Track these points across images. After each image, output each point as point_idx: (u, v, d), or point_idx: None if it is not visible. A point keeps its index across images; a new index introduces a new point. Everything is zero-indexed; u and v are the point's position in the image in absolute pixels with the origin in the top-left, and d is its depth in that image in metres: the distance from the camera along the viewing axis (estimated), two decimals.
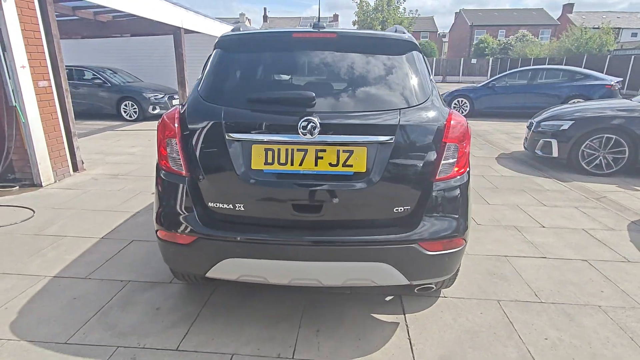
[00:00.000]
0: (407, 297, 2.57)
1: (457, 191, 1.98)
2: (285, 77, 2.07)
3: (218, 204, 1.95)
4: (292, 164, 1.88)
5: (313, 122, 1.82)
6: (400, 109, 1.93)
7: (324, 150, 1.87)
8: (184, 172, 1.96)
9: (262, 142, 1.88)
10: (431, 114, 1.95)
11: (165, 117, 2.02)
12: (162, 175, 2.01)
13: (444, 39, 54.82)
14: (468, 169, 2.05)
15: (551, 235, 3.57)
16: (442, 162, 1.93)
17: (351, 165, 1.88)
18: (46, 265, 2.94)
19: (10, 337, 2.17)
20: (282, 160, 1.88)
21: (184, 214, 1.97)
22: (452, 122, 1.97)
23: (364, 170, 1.88)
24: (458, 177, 1.99)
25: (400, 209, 1.93)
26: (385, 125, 1.88)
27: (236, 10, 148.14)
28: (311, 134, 1.82)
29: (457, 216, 2.00)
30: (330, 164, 1.88)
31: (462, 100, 11.91)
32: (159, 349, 2.09)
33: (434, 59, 29.41)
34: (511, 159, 6.55)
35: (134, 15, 7.40)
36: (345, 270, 1.92)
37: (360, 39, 2.11)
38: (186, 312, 2.40)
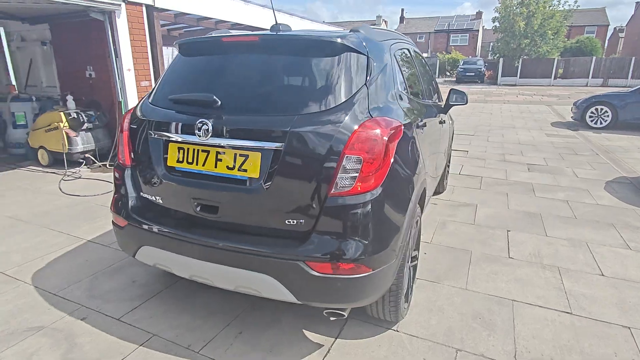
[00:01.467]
0: (354, 321, 2.35)
1: (360, 210, 1.74)
2: (206, 80, 2.11)
3: (146, 195, 2.14)
4: (197, 164, 1.94)
5: (206, 125, 1.84)
6: (297, 114, 1.79)
7: (223, 153, 1.87)
8: (127, 162, 2.21)
9: (175, 141, 1.99)
10: (336, 120, 1.75)
11: (125, 113, 2.31)
12: (116, 163, 2.31)
13: (620, 34, 45.25)
14: (382, 187, 1.78)
15: (606, 287, 2.74)
16: (340, 174, 1.72)
17: (246, 170, 1.83)
18: (90, 231, 3.62)
19: (27, 281, 2.79)
20: (190, 160, 1.95)
21: (123, 199, 2.22)
22: (359, 131, 1.73)
23: (257, 176, 1.81)
24: (362, 194, 1.74)
25: (292, 222, 1.79)
26: (275, 132, 1.77)
27: (381, 12, 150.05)
28: (205, 136, 1.85)
29: (356, 238, 1.75)
30: (227, 167, 1.87)
31: (601, 109, 9.76)
32: (107, 315, 2.40)
33: (593, 57, 24.45)
34: (627, 186, 5.15)
35: (237, 23, 8.27)
36: (233, 276, 1.88)
37: (282, 42, 2.02)
38: (151, 289, 2.68)
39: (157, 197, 2.09)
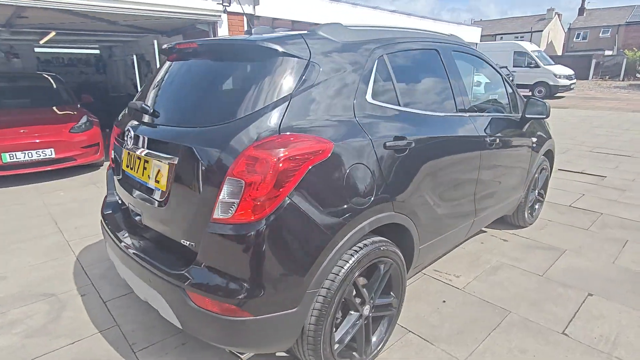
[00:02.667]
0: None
1: (241, 243, 1.46)
2: (156, 87, 2.07)
3: (115, 196, 2.29)
4: (135, 171, 1.95)
5: (130, 133, 1.82)
6: (199, 126, 1.60)
7: (147, 162, 1.83)
8: (110, 164, 2.40)
9: (125, 147, 2.05)
10: (229, 136, 1.51)
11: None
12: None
13: None
14: (273, 220, 1.45)
15: None
16: (221, 198, 1.48)
17: (158, 182, 1.75)
18: None
19: (76, 253, 3.33)
20: (131, 166, 1.98)
21: (107, 197, 2.42)
22: (246, 151, 1.45)
23: (164, 189, 1.71)
24: (244, 224, 1.45)
25: (186, 242, 1.63)
26: (175, 145, 1.62)
27: (559, 4, 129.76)
28: (129, 144, 1.84)
29: (234, 275, 1.49)
30: (148, 176, 1.82)
31: None
32: (100, 297, 2.67)
33: None
34: None
35: None
36: (140, 287, 1.83)
37: (213, 48, 1.84)
38: None
39: (119, 198, 2.22)
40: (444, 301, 2.61)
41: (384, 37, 2.09)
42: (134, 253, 1.85)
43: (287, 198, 1.48)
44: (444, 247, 2.58)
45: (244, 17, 6.16)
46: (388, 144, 1.85)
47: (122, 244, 1.95)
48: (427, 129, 2.14)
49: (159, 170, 1.76)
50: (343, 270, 1.69)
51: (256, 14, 6.20)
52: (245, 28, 6.20)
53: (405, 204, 1.97)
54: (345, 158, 1.66)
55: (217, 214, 1.49)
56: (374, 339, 2.01)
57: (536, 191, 3.80)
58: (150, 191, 1.83)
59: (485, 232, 3.72)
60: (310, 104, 1.65)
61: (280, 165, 1.46)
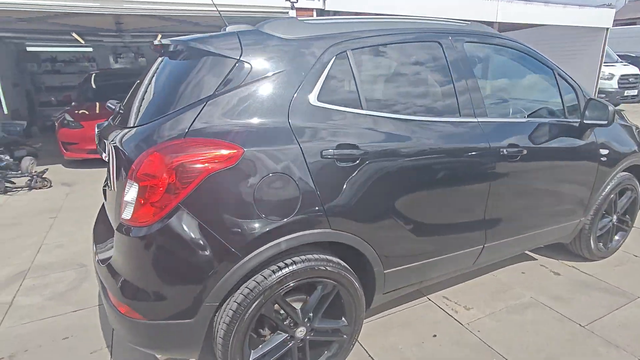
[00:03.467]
0: None
1: (132, 244, 1.47)
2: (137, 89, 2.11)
3: None
4: None
5: (98, 134, 1.95)
6: (127, 127, 1.63)
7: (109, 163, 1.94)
8: None
9: None
10: (139, 137, 1.51)
11: None
12: None
13: None
14: (163, 225, 1.41)
15: None
16: (123, 200, 1.48)
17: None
18: None
19: None
20: None
21: None
22: (143, 155, 1.43)
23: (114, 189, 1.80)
24: (136, 227, 1.46)
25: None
26: (115, 145, 1.67)
27: None
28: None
29: (128, 276, 1.50)
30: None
31: None
32: None
33: None
34: None
35: None
36: None
37: (166, 46, 1.79)
38: None
39: None
40: (435, 335, 2.24)
41: (350, 31, 1.84)
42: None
43: (179, 204, 1.42)
44: (433, 273, 2.21)
45: (314, 12, 6.15)
46: (326, 152, 1.63)
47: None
48: (402, 136, 1.83)
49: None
50: (259, 287, 1.56)
51: (326, 8, 6.14)
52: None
53: (353, 223, 1.73)
54: (260, 166, 1.51)
55: (122, 214, 1.52)
56: None
57: (613, 217, 2.99)
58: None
59: (534, 259, 3.09)
60: (232, 106, 1.55)
61: (174, 170, 1.41)
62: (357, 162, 1.70)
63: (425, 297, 2.61)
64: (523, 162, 2.21)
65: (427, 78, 2.07)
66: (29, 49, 10.60)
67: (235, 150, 1.47)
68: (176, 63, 1.74)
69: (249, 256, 1.52)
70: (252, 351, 1.67)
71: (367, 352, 2.11)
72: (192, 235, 1.45)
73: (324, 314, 1.86)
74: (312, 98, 1.67)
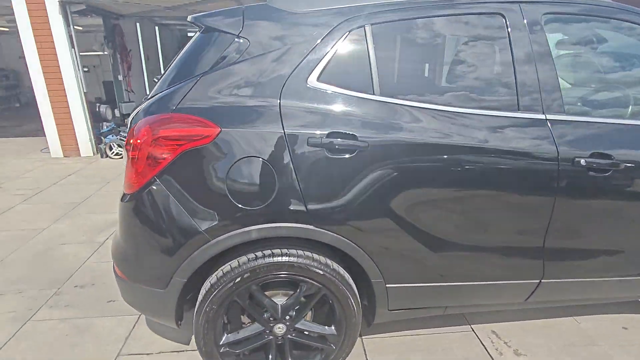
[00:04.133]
0: None
1: (123, 206, 1.56)
2: None
3: None
4: None
5: None
6: (145, 101, 1.70)
7: None
8: None
9: None
10: (142, 111, 1.56)
11: None
12: None
13: None
14: (143, 194, 1.47)
15: None
16: (126, 166, 1.57)
17: None
18: None
19: None
20: None
21: None
22: (135, 126, 1.50)
23: None
24: (125, 193, 1.54)
25: None
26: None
27: None
28: None
29: (119, 235, 1.61)
30: None
31: None
32: None
33: None
34: None
35: None
36: None
37: (191, 24, 1.78)
38: None
39: None
40: None
41: (375, 3, 1.56)
42: None
43: (155, 177, 1.45)
44: (462, 301, 1.80)
45: None
46: (314, 140, 1.44)
47: None
48: (425, 128, 1.51)
49: None
50: (231, 273, 1.51)
51: None
52: None
53: (342, 224, 1.51)
54: (235, 147, 1.42)
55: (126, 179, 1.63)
56: None
57: None
58: None
59: None
60: (224, 83, 1.48)
61: (153, 143, 1.43)
62: (354, 155, 1.46)
63: (469, 325, 2.18)
64: (616, 181, 1.60)
65: (477, 60, 1.63)
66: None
67: (211, 129, 1.43)
68: (192, 39, 1.76)
69: (216, 239, 1.47)
70: (227, 334, 1.65)
71: None
72: (164, 209, 1.48)
73: (315, 318, 1.72)
74: (312, 78, 1.49)
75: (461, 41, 1.63)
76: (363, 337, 2.10)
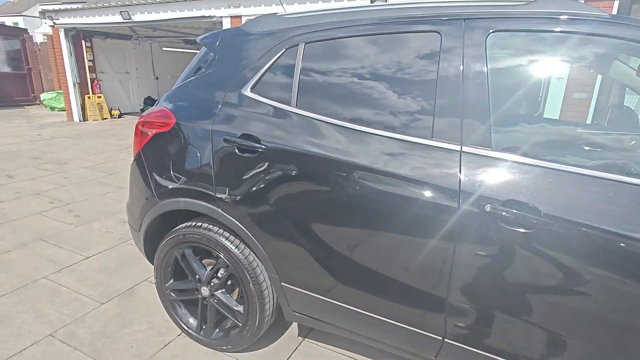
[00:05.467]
0: None
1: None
2: None
3: None
4: None
5: None
6: None
7: None
8: None
9: None
10: None
11: None
12: None
13: None
14: (136, 159, 2.06)
15: None
16: None
17: None
18: None
19: None
20: None
21: None
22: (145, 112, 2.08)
23: None
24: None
25: None
26: None
27: None
28: None
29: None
30: None
31: None
32: None
33: None
34: None
35: None
36: None
37: None
38: None
39: None
40: None
41: (313, 24, 1.67)
42: None
43: (141, 149, 2.01)
44: (366, 332, 1.66)
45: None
46: (229, 138, 1.71)
47: None
48: (323, 144, 1.56)
49: None
50: (172, 233, 1.96)
51: None
52: None
53: (239, 213, 1.72)
54: (182, 136, 1.83)
55: None
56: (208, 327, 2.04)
57: None
58: None
59: None
60: (195, 85, 1.92)
61: (141, 125, 2.01)
62: (255, 156, 1.67)
63: None
64: (541, 242, 1.24)
65: (396, 81, 1.52)
66: None
67: (170, 120, 1.90)
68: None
69: (162, 202, 1.93)
70: (173, 281, 2.10)
71: None
72: (141, 173, 2.03)
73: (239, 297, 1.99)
74: (246, 88, 1.77)
75: (385, 60, 1.56)
76: (307, 338, 2.19)
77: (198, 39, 2.09)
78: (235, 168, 1.73)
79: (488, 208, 1.29)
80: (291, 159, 1.61)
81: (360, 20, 1.61)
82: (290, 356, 2.06)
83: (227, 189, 1.75)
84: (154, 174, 1.98)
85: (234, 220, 1.76)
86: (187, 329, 2.11)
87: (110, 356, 2.00)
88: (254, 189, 1.68)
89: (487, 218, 1.30)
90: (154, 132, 1.96)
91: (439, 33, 1.45)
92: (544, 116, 4.37)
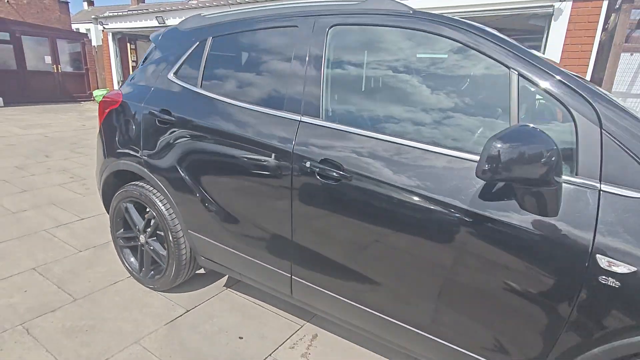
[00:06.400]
0: None
1: None
2: None
3: None
4: None
5: None
6: None
7: None
8: None
9: None
10: None
11: None
12: None
13: None
14: (101, 126, 2.56)
15: None
16: None
17: None
18: None
19: None
20: None
21: None
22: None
23: None
24: None
25: None
26: None
27: None
28: None
29: None
30: None
31: None
32: None
33: None
34: None
35: None
36: None
37: None
38: None
39: None
40: (241, 337, 2.12)
41: (217, 22, 2.08)
42: None
43: (101, 123, 2.53)
44: (250, 274, 2.03)
45: (603, 3, 4.35)
46: (152, 111, 2.15)
47: None
48: (212, 116, 1.96)
49: None
50: (120, 189, 2.45)
51: None
52: (603, 17, 4.43)
53: (159, 174, 2.16)
54: (125, 111, 2.31)
55: None
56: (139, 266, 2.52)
57: None
58: None
59: None
60: (139, 73, 2.40)
61: (103, 103, 2.52)
62: (168, 125, 2.10)
63: (304, 320, 2.28)
64: (345, 193, 1.55)
65: (264, 65, 1.88)
66: None
67: (118, 98, 2.39)
68: None
69: (111, 164, 2.43)
70: (121, 230, 2.59)
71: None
72: (100, 142, 2.54)
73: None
74: (171, 74, 2.22)
75: (260, 50, 1.93)
76: (230, 289, 2.59)
77: (150, 37, 2.58)
78: (155, 136, 2.18)
79: (308, 164, 1.62)
80: (192, 128, 2.03)
81: (248, 19, 2.00)
82: (208, 299, 2.47)
83: (150, 153, 2.20)
84: (108, 142, 2.48)
85: (155, 178, 2.21)
86: (131, 270, 2.59)
87: (71, 285, 2.53)
88: (166, 151, 2.12)
89: (304, 171, 1.63)
90: (109, 108, 2.46)
91: (297, 27, 1.80)
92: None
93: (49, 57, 13.36)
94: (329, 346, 2.10)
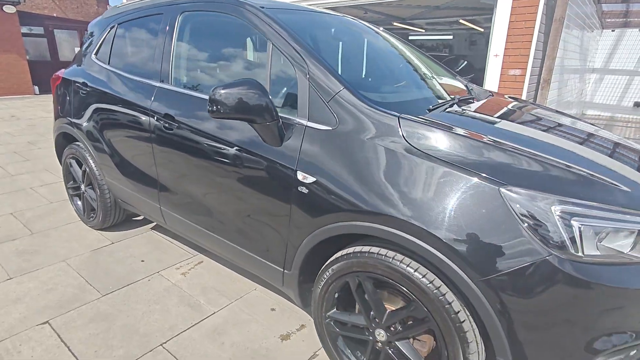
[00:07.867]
0: None
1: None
2: None
3: None
4: None
5: None
6: None
7: None
8: None
9: None
10: None
11: None
12: None
13: None
14: (53, 97, 3.20)
15: None
16: None
17: None
18: None
19: None
20: None
21: None
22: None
23: None
24: None
25: None
26: None
27: None
28: None
29: None
30: None
31: None
32: None
33: None
34: None
35: None
36: None
37: None
38: None
39: None
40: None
41: (122, 12, 2.63)
42: None
43: (55, 92, 3.17)
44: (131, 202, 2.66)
45: None
46: (76, 83, 2.77)
47: None
48: (111, 85, 2.53)
49: None
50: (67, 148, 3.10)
51: None
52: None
53: (84, 131, 2.76)
54: (63, 85, 2.94)
55: None
56: None
57: None
58: None
59: None
60: (78, 55, 3.02)
61: (53, 79, 3.16)
62: (85, 94, 2.70)
63: (201, 254, 2.85)
64: (178, 136, 2.08)
65: (147, 44, 2.42)
66: (410, 38, 13.58)
67: (61, 75, 3.01)
68: None
69: (58, 126, 3.08)
70: (73, 181, 3.25)
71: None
72: (55, 107, 3.19)
73: None
74: (93, 55, 2.81)
75: (148, 34, 2.47)
76: (154, 230, 3.19)
77: (88, 25, 3.18)
78: (79, 103, 2.79)
79: (155, 118, 2.16)
80: (99, 94, 2.62)
81: (138, 9, 2.54)
82: (133, 237, 3.08)
83: (78, 117, 2.82)
84: (56, 109, 3.14)
85: (82, 137, 2.82)
86: (78, 214, 3.25)
87: (34, 225, 3.23)
88: (86, 115, 2.72)
89: (157, 124, 2.17)
90: (56, 83, 3.10)
91: (162, 14, 2.32)
92: None
93: (79, 48, 14.58)
94: (207, 269, 2.65)
